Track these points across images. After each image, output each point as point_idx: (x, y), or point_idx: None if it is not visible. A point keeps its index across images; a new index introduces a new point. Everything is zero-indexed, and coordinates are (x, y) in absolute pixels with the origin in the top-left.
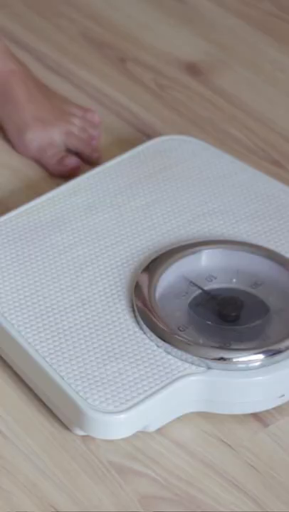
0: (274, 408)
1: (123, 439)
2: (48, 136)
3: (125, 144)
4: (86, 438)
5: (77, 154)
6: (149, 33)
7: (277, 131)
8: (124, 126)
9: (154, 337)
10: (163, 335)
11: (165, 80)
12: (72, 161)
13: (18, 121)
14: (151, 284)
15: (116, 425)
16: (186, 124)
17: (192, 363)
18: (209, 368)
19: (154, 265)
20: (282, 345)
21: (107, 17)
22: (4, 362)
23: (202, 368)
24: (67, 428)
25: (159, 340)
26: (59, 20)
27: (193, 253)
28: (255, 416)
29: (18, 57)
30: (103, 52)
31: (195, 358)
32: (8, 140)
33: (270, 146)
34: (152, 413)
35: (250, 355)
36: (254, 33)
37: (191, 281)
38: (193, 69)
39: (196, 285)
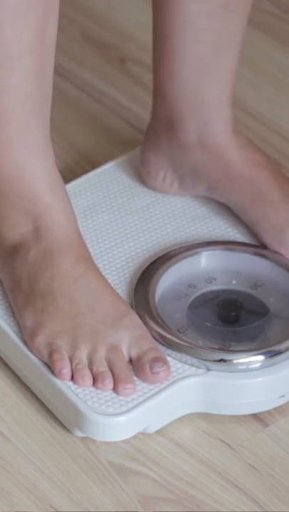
0: (274, 408)
1: (123, 440)
2: None
3: (125, 144)
4: (86, 439)
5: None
6: (149, 33)
7: (277, 131)
8: (124, 126)
9: None
10: (162, 337)
11: None
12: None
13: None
14: (151, 286)
15: (116, 427)
16: None
17: (192, 365)
18: (209, 369)
19: (153, 267)
20: (282, 347)
21: (107, 17)
22: (4, 363)
23: (202, 370)
24: (67, 429)
25: (158, 342)
26: (59, 20)
27: (193, 255)
28: (255, 416)
29: None
30: (103, 52)
31: (195, 360)
32: None
33: (270, 146)
34: (152, 415)
35: (250, 356)
36: (254, 33)
37: (190, 283)
38: None
39: (195, 287)
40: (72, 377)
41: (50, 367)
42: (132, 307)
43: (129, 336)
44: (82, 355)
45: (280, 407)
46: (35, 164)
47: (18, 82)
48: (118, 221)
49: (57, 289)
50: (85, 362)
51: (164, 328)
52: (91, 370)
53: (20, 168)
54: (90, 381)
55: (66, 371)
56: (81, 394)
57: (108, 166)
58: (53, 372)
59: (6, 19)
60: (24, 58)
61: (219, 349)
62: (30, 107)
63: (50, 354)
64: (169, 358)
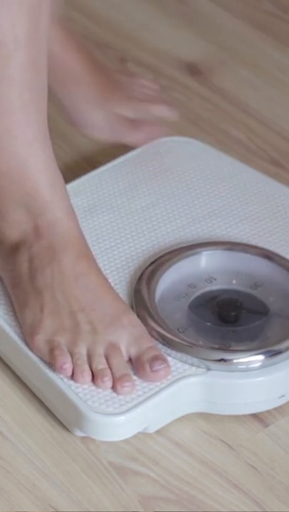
0: (274, 408)
1: (123, 440)
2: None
3: (125, 144)
4: (86, 438)
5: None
6: (149, 33)
7: (277, 131)
8: None
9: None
10: (163, 336)
11: (165, 80)
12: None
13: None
14: (151, 286)
15: (116, 427)
16: (185, 124)
17: (192, 365)
18: (209, 369)
19: (154, 267)
20: (282, 346)
21: (107, 17)
22: (4, 363)
23: (202, 370)
24: (67, 428)
25: (158, 342)
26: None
27: (193, 255)
28: (255, 416)
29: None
30: (103, 52)
31: (195, 360)
32: None
33: (270, 146)
34: (152, 415)
35: (250, 356)
36: (254, 33)
37: (190, 283)
38: (193, 69)
39: (196, 287)
40: (72, 374)
41: (51, 364)
42: (132, 307)
43: (128, 336)
44: (82, 351)
45: (280, 407)
46: (35, 158)
47: (16, 70)
48: (118, 221)
49: (57, 286)
50: (85, 358)
51: (164, 328)
52: (90, 367)
53: (20, 162)
54: (89, 378)
55: (68, 366)
56: (81, 393)
57: (108, 167)
58: (54, 368)
59: (1, 6)
60: (20, 46)
61: (219, 349)
62: (28, 98)
63: (51, 350)
64: (169, 358)
